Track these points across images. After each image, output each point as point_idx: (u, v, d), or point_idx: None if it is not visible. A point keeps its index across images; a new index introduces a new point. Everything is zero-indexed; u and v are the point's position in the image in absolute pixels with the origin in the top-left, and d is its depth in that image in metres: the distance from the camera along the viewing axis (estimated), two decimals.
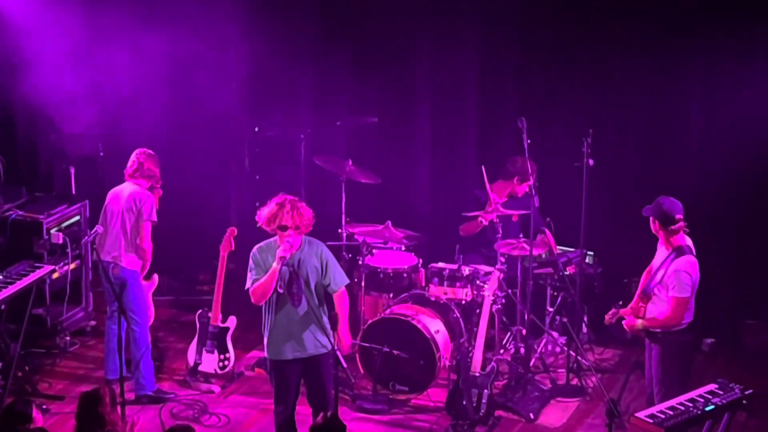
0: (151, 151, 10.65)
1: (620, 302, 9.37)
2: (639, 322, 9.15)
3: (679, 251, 9.01)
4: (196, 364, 10.77)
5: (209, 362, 10.78)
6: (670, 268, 8.99)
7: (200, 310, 10.87)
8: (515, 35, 12.03)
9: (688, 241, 9.12)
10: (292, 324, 8.82)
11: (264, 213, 8.81)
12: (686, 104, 11.57)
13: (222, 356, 10.77)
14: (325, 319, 8.87)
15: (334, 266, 8.94)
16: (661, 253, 9.14)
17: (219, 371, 10.78)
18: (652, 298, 9.13)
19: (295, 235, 8.73)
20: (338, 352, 8.73)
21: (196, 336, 10.84)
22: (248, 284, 8.85)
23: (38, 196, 12.02)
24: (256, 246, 8.91)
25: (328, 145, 12.33)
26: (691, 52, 11.40)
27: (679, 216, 9.00)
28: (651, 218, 9.10)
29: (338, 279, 8.97)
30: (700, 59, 11.40)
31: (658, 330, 9.12)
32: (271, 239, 8.89)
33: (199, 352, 10.79)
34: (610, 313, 9.32)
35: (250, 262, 8.86)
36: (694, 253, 9.08)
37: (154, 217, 10.48)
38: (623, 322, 9.26)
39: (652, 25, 11.42)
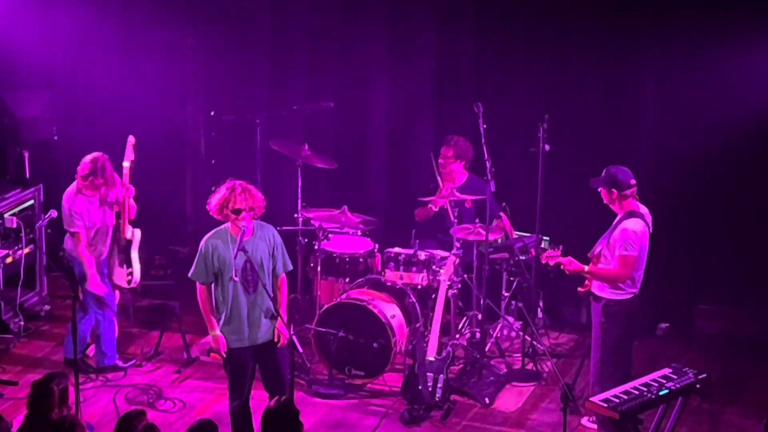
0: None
1: (560, 246, 9.42)
2: (585, 267, 9.21)
3: (629, 214, 9.09)
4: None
5: (119, 276, 10.64)
6: (617, 229, 9.07)
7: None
8: (471, 20, 12.04)
9: (643, 209, 9.19)
10: (247, 311, 8.83)
11: (215, 200, 8.81)
12: (641, 89, 11.63)
13: (128, 270, 10.65)
14: None
15: (282, 250, 8.98)
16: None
17: (127, 286, 10.67)
18: (601, 260, 9.20)
19: (249, 218, 8.73)
20: (294, 337, 8.72)
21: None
22: (191, 273, 8.92)
23: None
24: (207, 235, 8.92)
25: (284, 129, 12.28)
26: (645, 37, 11.44)
27: (633, 181, 9.11)
28: (604, 189, 9.17)
29: (284, 263, 9.00)
30: (654, 44, 11.44)
31: (603, 296, 9.19)
32: (221, 227, 8.89)
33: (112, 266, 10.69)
34: (548, 253, 9.34)
35: (199, 250, 8.88)
36: (648, 220, 9.14)
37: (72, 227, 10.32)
38: (567, 267, 9.30)
39: (606, 9, 11.45)
